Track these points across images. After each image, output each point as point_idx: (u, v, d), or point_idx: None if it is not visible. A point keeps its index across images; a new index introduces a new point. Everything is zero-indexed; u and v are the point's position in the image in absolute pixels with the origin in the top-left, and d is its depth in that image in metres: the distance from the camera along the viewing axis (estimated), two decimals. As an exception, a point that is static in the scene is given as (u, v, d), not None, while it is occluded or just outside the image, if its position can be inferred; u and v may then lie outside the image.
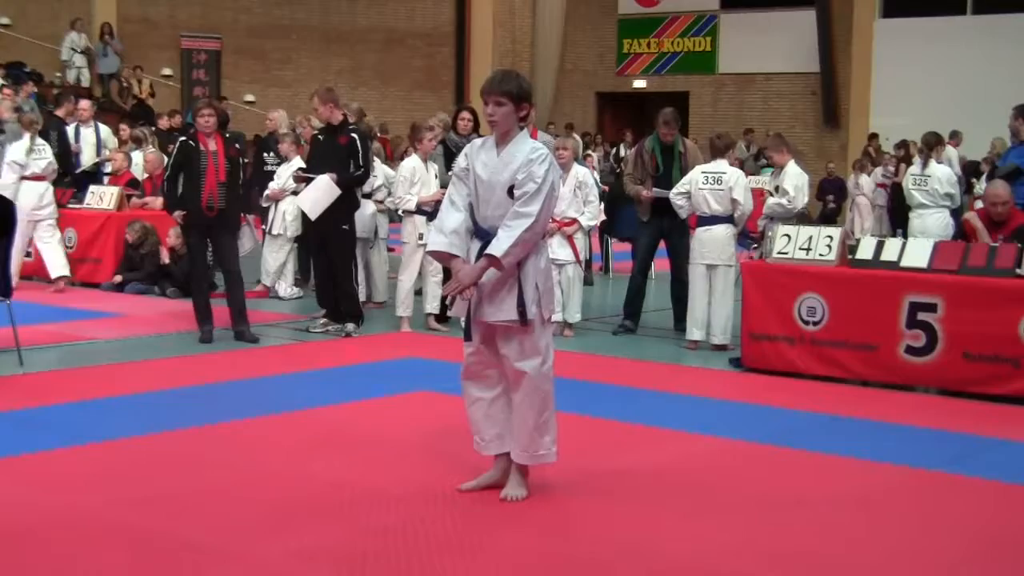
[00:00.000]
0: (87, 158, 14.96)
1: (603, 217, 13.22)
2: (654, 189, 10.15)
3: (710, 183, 9.60)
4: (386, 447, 5.98)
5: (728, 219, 9.63)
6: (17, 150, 12.19)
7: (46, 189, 12.23)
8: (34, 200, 12.01)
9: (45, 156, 12.30)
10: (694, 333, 9.67)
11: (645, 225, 10.39)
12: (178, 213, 9.61)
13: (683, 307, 10.06)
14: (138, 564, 4.47)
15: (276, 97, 24.68)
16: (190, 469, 5.82)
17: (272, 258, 12.16)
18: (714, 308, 9.58)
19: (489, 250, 5.05)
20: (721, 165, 9.75)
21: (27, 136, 12.35)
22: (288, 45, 27.35)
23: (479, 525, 5.02)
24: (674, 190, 9.81)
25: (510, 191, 5.11)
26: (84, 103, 15.65)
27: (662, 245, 10.54)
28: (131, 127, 16.28)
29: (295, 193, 11.14)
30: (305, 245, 12.08)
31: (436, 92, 27.04)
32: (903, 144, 19.33)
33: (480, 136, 11.23)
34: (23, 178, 12.05)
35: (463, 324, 5.33)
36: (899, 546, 4.92)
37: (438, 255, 5.36)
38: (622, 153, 24.77)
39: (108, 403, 7.29)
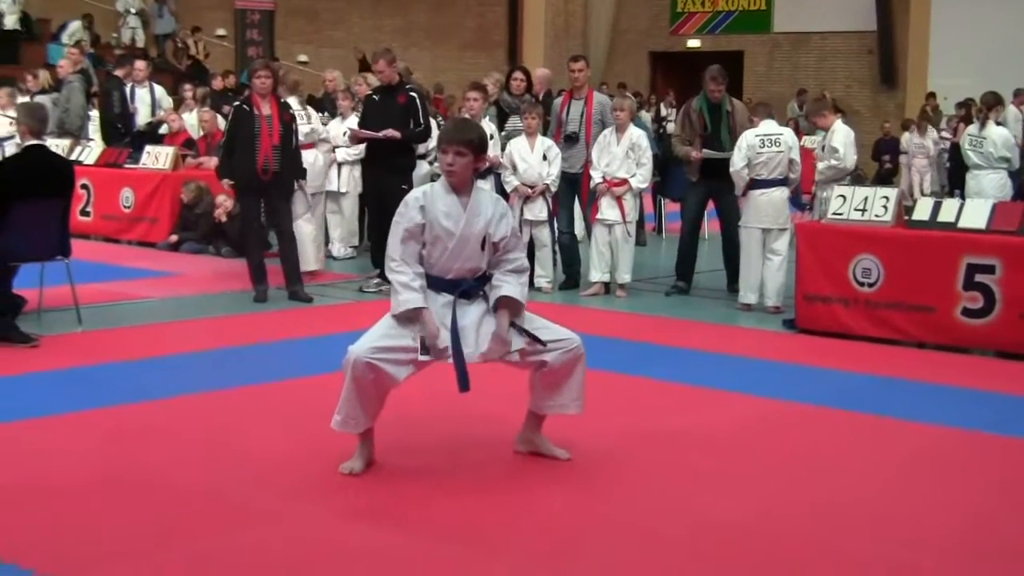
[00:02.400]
0: (142, 118, 15.08)
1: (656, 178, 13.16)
2: (704, 150, 10.05)
3: (768, 145, 9.49)
4: (434, 406, 6.00)
5: (783, 182, 9.57)
6: None
7: (315, 159, 11.17)
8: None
9: (309, 124, 11.13)
10: (748, 296, 9.61)
11: (694, 186, 10.29)
12: (226, 182, 9.73)
13: (734, 267, 10.02)
14: (193, 521, 4.55)
15: (329, 57, 24.71)
16: (245, 428, 5.89)
17: (343, 218, 12.13)
18: (770, 271, 9.52)
19: (511, 293, 5.03)
20: (774, 126, 9.66)
21: (292, 101, 11.04)
22: (340, 5, 27.34)
23: (525, 485, 5.06)
24: (736, 163, 9.56)
25: (484, 242, 5.06)
26: (139, 63, 15.74)
27: (710, 206, 10.47)
28: (194, 87, 16.31)
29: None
30: (360, 204, 12.09)
31: (488, 52, 26.93)
32: (965, 103, 19.02)
33: (532, 96, 11.21)
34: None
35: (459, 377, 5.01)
36: (953, 508, 4.89)
37: (416, 313, 4.99)
38: (663, 112, 24.62)
39: (164, 361, 7.38)
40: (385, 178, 9.94)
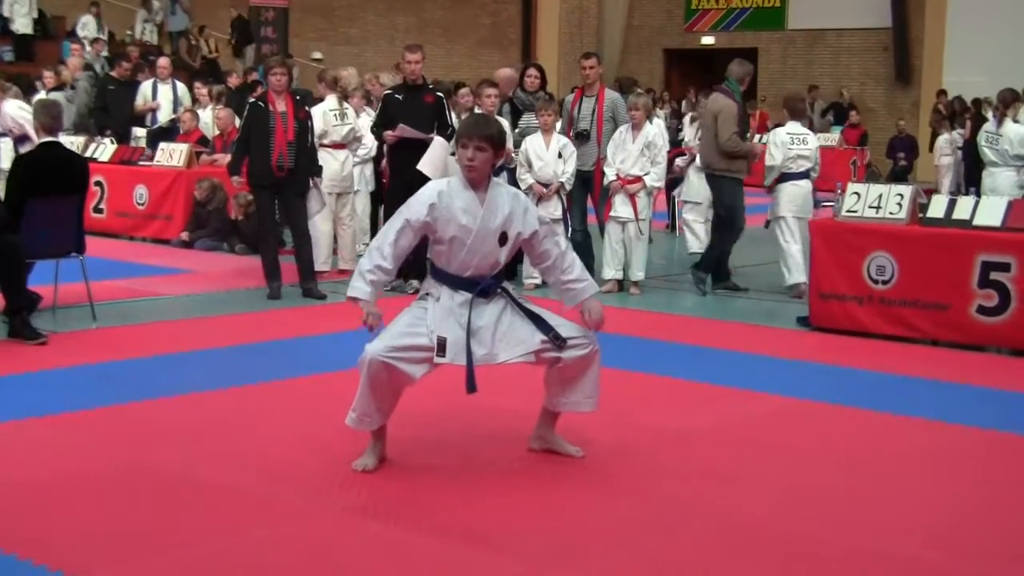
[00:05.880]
0: (164, 115, 15.13)
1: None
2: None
3: (797, 143, 10.22)
4: (447, 401, 6.00)
5: (807, 176, 10.24)
6: (319, 114, 10.61)
7: (346, 158, 10.87)
8: (336, 169, 10.67)
9: (347, 123, 10.86)
10: (797, 276, 10.04)
11: (740, 184, 10.33)
12: (236, 179, 9.76)
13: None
14: (206, 518, 4.56)
15: (343, 55, 24.72)
16: (258, 425, 5.90)
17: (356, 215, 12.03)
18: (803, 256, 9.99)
19: (590, 292, 5.22)
20: (799, 127, 10.40)
21: (331, 99, 10.96)
22: (355, 2, 27.35)
23: (538, 482, 5.06)
24: (776, 157, 10.18)
25: (502, 238, 5.04)
26: (162, 60, 15.83)
27: None
28: (207, 85, 16.29)
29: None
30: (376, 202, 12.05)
31: (503, 50, 26.93)
32: (975, 102, 19.02)
33: (547, 94, 11.17)
34: (321, 145, 10.41)
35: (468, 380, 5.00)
36: (968, 507, 4.88)
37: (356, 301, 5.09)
38: (683, 110, 24.50)
39: (179, 358, 7.40)
40: (409, 176, 9.88)
